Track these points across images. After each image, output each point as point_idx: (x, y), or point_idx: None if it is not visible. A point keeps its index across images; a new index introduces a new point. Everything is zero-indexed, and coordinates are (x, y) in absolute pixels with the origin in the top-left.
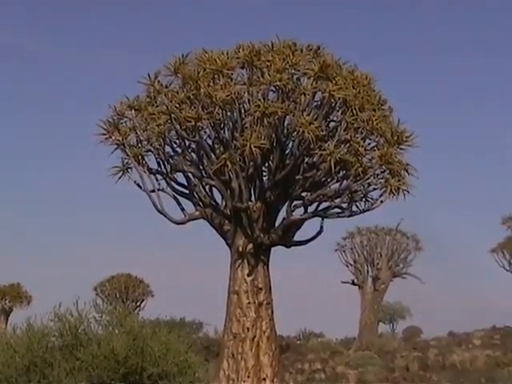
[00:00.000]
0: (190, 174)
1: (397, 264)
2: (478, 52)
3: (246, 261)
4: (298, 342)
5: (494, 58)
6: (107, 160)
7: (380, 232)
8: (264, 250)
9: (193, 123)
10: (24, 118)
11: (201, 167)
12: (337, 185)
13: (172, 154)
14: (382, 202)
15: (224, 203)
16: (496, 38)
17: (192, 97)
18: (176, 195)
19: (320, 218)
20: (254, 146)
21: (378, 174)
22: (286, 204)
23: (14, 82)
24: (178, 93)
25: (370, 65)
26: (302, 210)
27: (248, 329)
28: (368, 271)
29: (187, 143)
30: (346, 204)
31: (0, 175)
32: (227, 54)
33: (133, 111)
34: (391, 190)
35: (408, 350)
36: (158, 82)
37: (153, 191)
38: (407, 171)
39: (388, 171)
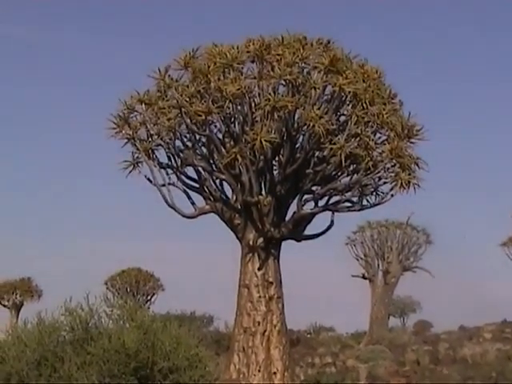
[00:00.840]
0: (200, 168)
1: (407, 258)
2: (490, 41)
3: (256, 255)
4: (309, 335)
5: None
6: (118, 154)
7: (390, 226)
8: (274, 243)
9: (203, 117)
10: (33, 113)
11: (211, 161)
12: (347, 179)
13: (182, 148)
14: (392, 195)
15: (234, 197)
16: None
17: (202, 91)
18: (186, 189)
19: (330, 212)
20: (265, 140)
21: (388, 168)
22: (297, 198)
23: (21, 76)
24: (188, 87)
25: (380, 58)
26: (312, 204)
27: (258, 323)
28: (378, 265)
29: (197, 137)
30: (357, 198)
31: (12, 170)
32: (237, 48)
33: (143, 105)
34: (401, 183)
35: (418, 343)
36: (169, 76)
37: (163, 185)
38: (417, 165)
39: (398, 165)
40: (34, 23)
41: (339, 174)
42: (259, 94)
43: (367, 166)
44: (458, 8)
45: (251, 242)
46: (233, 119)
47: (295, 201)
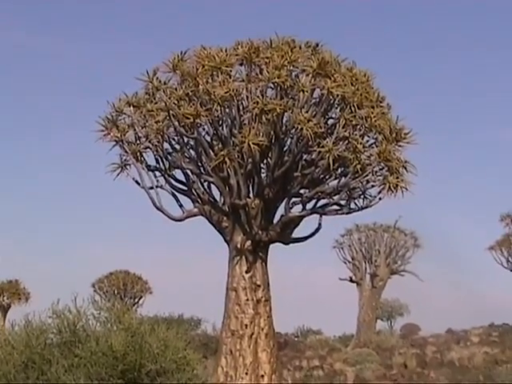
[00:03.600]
0: (188, 171)
1: (395, 261)
2: (477, 46)
3: (244, 258)
4: (296, 339)
5: (495, 51)
6: (106, 157)
7: (378, 229)
8: (262, 246)
9: (191, 120)
10: (22, 116)
11: (199, 164)
12: (335, 182)
13: (170, 150)
14: (380, 199)
15: (222, 200)
16: (498, 31)
17: (191, 93)
18: (174, 192)
19: (318, 215)
20: (253, 143)
21: (376, 171)
22: (285, 201)
23: (7, 78)
24: (176, 89)
25: (368, 62)
26: (300, 207)
27: (246, 326)
28: (366, 268)
29: (186, 140)
30: (345, 201)
31: None
32: (226, 50)
33: (131, 108)
34: (390, 187)
35: (406, 347)
36: (157, 78)
37: (151, 188)
38: (406, 168)
39: (386, 168)
40: (21, 27)
41: (327, 177)
42: (247, 97)
43: (355, 170)
44: (448, 11)
45: (239, 245)
46: (221, 122)
47: (283, 204)
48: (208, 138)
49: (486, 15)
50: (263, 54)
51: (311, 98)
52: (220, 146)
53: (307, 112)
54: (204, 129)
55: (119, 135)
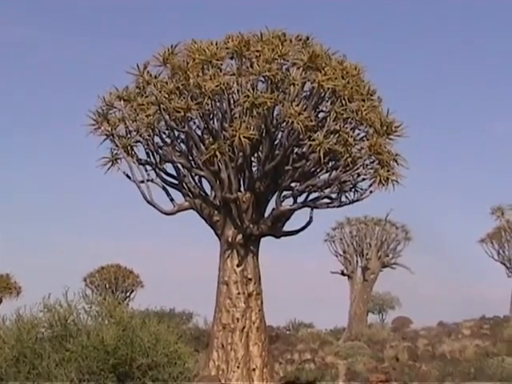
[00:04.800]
0: (179, 165)
1: (386, 254)
2: (466, 37)
3: (235, 251)
4: (288, 332)
5: (483, 43)
6: (96, 150)
7: (369, 222)
8: (253, 240)
9: (182, 114)
10: (16, 107)
11: (190, 158)
12: (326, 175)
13: (161, 144)
14: (371, 192)
15: (213, 194)
16: (486, 22)
17: (181, 87)
18: (165, 186)
19: (309, 209)
20: (244, 137)
21: (367, 165)
22: (276, 194)
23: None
24: (167, 83)
25: (359, 55)
26: (291, 200)
27: (238, 319)
28: (357, 261)
29: (176, 134)
30: (336, 194)
31: None
32: (216, 44)
33: (122, 102)
34: (380, 180)
35: (397, 340)
36: (147, 72)
37: (142, 182)
38: (396, 161)
39: (377, 161)
40: (14, 21)
41: (318, 170)
42: (238, 91)
43: (346, 163)
44: (440, 3)
45: (230, 239)
46: (212, 116)
47: (274, 197)
48: (199, 132)
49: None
50: (254, 48)
51: (302, 91)
52: (211, 139)
53: (298, 105)
54: (195, 122)
55: (110, 129)
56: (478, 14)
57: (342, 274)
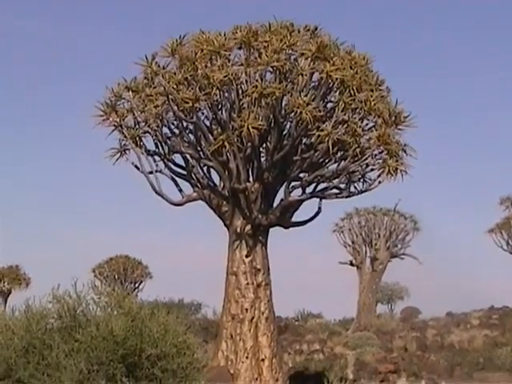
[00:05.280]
0: (187, 156)
1: (395, 244)
2: (476, 25)
3: (244, 242)
4: (297, 322)
5: (490, 31)
6: (105, 141)
7: (378, 213)
8: (262, 230)
9: (190, 104)
10: (21, 99)
11: (198, 148)
12: (334, 165)
13: (170, 135)
14: (379, 182)
15: (222, 184)
16: (496, 9)
17: (189, 78)
18: (174, 176)
19: (318, 199)
20: (252, 127)
21: (375, 155)
22: (284, 185)
23: (6, 63)
24: (175, 74)
25: (368, 45)
26: (299, 190)
27: (246, 310)
28: (366, 252)
29: (185, 124)
30: (344, 185)
31: None
32: (224, 34)
33: (130, 93)
34: (389, 170)
35: (406, 330)
36: (156, 63)
37: (151, 173)
38: (405, 152)
39: (386, 152)
40: (19, 10)
41: (327, 160)
42: (246, 81)
43: (355, 153)
44: None
45: (239, 229)
46: (220, 106)
47: (283, 188)
48: (207, 123)
49: None
50: (262, 38)
51: (310, 81)
52: (219, 130)
53: (306, 96)
54: (203, 113)
55: (118, 120)
56: (486, 2)
57: (351, 264)
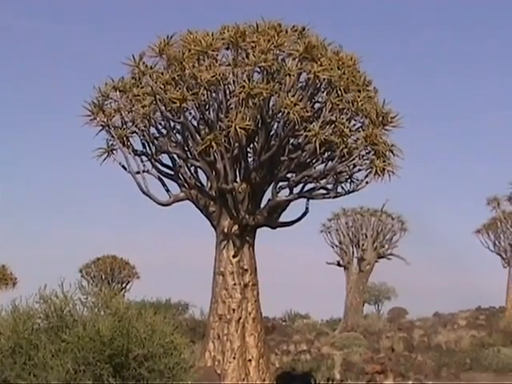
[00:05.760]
0: (175, 156)
1: (382, 245)
2: (463, 25)
3: (231, 242)
4: (284, 323)
5: (482, 30)
6: (92, 141)
7: (365, 213)
8: (249, 231)
9: (178, 104)
10: (10, 97)
11: (186, 148)
12: (322, 166)
13: (157, 135)
14: (367, 183)
15: (209, 184)
16: (483, 10)
17: (177, 78)
18: (161, 176)
19: (305, 199)
20: (239, 127)
21: (363, 155)
22: (272, 185)
23: None
24: (162, 74)
25: (355, 46)
26: (287, 191)
27: (234, 310)
28: (353, 252)
29: (172, 124)
30: (332, 185)
31: None
32: (212, 35)
33: (117, 92)
34: (376, 171)
35: (393, 330)
36: (143, 63)
37: (138, 173)
38: (392, 152)
39: (373, 152)
40: (8, 8)
41: (314, 161)
42: (234, 81)
43: (342, 153)
44: None
45: (226, 230)
46: (207, 106)
47: (270, 188)
48: (195, 123)
49: None
50: (249, 39)
51: (298, 81)
52: (207, 130)
53: (294, 96)
54: (190, 113)
55: (105, 120)
56: (474, 2)
57: (338, 264)
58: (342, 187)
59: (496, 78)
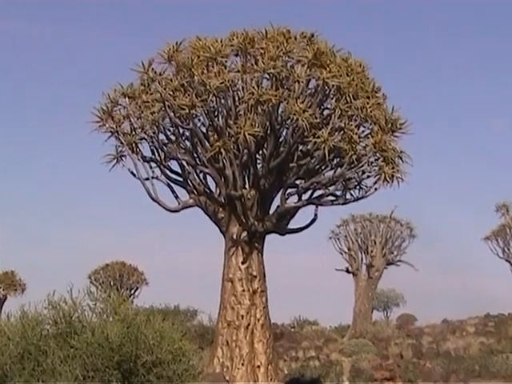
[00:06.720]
0: (184, 162)
1: (391, 251)
2: (470, 32)
3: (240, 248)
4: (293, 329)
5: (489, 36)
6: (101, 147)
7: (374, 219)
8: (258, 237)
9: (187, 111)
10: (18, 103)
11: (195, 155)
12: (331, 172)
13: (166, 141)
14: (376, 189)
15: (218, 191)
16: (488, 16)
17: (186, 84)
18: (170, 183)
19: (314, 206)
20: (248, 134)
21: (372, 162)
22: (280, 192)
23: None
24: (171, 80)
25: (364, 52)
26: (296, 197)
27: (242, 316)
28: (362, 259)
29: (181, 131)
30: (340, 191)
31: None
32: (221, 41)
33: (127, 99)
34: (385, 177)
35: (402, 337)
36: (152, 69)
37: (147, 179)
38: (401, 158)
39: (382, 158)
40: (16, 15)
41: (323, 167)
42: (243, 88)
43: (351, 160)
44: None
45: (235, 236)
46: (216, 113)
47: (279, 194)
48: (203, 129)
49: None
50: (258, 45)
51: (307, 88)
52: (215, 136)
53: (303, 102)
54: (199, 119)
55: (114, 126)
56: (480, 9)
57: (347, 271)
58: (351, 193)
59: (508, 81)
